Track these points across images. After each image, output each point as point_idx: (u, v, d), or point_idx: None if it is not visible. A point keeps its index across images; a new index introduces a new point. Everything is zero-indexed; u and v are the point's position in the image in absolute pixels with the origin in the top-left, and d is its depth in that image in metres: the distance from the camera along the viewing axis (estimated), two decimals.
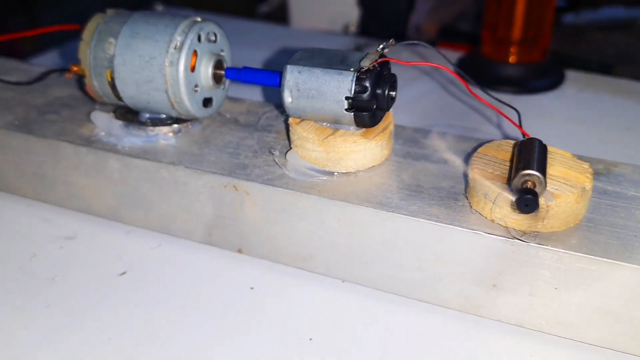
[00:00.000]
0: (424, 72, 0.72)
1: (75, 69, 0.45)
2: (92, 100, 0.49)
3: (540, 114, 0.63)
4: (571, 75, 0.71)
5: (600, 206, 0.36)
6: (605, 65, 0.81)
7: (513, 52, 0.69)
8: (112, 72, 0.43)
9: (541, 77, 0.69)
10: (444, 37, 0.90)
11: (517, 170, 0.32)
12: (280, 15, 1.12)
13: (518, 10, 0.67)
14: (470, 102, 0.65)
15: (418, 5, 0.91)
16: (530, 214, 0.32)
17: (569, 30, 0.93)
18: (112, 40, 0.43)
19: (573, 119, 0.62)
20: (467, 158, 0.41)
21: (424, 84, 0.69)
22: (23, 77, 0.54)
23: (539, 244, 0.33)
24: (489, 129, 0.59)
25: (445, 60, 0.40)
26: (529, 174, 0.32)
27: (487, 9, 0.69)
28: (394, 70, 0.41)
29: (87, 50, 0.44)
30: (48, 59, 0.76)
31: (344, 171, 0.40)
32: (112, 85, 0.44)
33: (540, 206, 0.32)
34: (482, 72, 0.69)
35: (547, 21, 0.68)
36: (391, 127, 0.42)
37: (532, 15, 0.67)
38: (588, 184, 0.34)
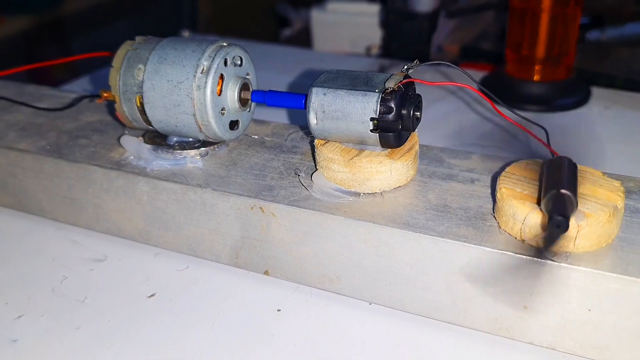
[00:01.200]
0: (449, 92, 0.72)
1: (105, 95, 0.46)
2: (122, 125, 0.49)
3: (567, 132, 0.62)
4: (597, 92, 0.71)
5: (633, 225, 0.36)
6: (632, 81, 0.80)
7: (537, 70, 0.69)
8: (141, 97, 0.44)
9: (567, 95, 0.68)
10: (466, 57, 0.90)
11: (547, 189, 0.32)
12: (303, 39, 1.14)
13: (542, 28, 0.67)
14: (495, 121, 0.64)
15: (439, 26, 0.91)
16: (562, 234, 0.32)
17: (593, 47, 0.92)
18: (141, 66, 0.44)
19: (601, 136, 0.61)
20: (495, 177, 0.41)
21: (449, 104, 0.69)
22: (55, 103, 0.55)
23: (570, 265, 0.33)
24: (516, 148, 0.59)
25: (469, 79, 0.40)
26: (560, 194, 0.31)
27: (510, 28, 0.69)
28: (418, 90, 0.41)
29: (117, 77, 0.45)
30: (78, 86, 0.77)
31: (369, 192, 0.40)
32: (142, 110, 0.45)
33: (571, 226, 0.31)
34: (506, 90, 0.69)
35: (572, 38, 0.67)
36: (416, 147, 0.41)
37: (555, 33, 0.67)
38: (620, 202, 0.34)
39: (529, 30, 0.67)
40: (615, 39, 0.95)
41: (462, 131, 0.64)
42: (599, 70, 0.84)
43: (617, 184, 0.35)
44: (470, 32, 0.99)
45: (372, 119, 0.38)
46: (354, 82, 0.40)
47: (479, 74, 0.75)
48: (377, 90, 0.38)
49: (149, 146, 0.46)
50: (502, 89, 0.70)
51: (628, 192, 0.38)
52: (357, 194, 0.40)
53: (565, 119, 0.65)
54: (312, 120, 0.40)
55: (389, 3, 0.91)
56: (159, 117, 0.44)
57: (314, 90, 0.40)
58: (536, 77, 0.69)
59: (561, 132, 0.62)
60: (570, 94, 0.69)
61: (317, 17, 1.04)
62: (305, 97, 0.42)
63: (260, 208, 0.41)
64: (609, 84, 0.78)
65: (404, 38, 0.87)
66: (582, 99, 0.69)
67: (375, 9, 0.98)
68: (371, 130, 0.38)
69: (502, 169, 0.39)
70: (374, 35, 0.97)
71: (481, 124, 0.65)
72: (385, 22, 0.92)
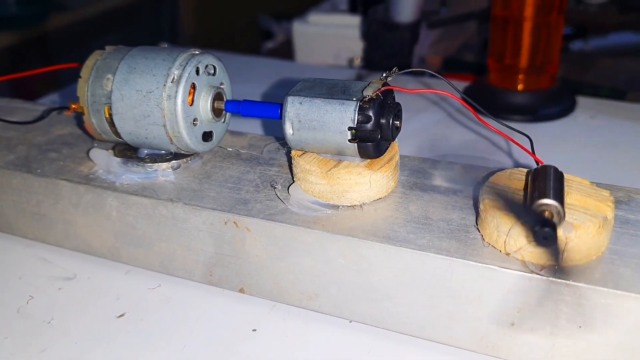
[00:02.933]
0: (430, 102, 0.70)
1: (74, 106, 0.45)
2: (91, 138, 0.48)
3: (553, 142, 0.61)
4: (583, 101, 0.70)
5: (623, 236, 0.34)
6: (617, 91, 0.79)
7: (521, 79, 0.68)
8: (110, 109, 0.42)
9: (551, 105, 0.67)
10: (448, 68, 0.89)
11: (533, 199, 0.30)
12: (285, 52, 1.13)
13: (525, 36, 0.66)
14: (477, 131, 0.63)
15: (421, 38, 0.91)
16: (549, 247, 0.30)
17: (577, 57, 0.92)
18: (109, 76, 0.42)
19: (587, 146, 0.60)
20: (478, 188, 0.39)
21: (430, 115, 0.68)
22: (27, 116, 0.53)
23: (559, 279, 0.31)
24: (498, 158, 0.58)
25: (451, 88, 0.39)
26: (545, 204, 0.30)
27: (493, 37, 0.68)
28: (399, 100, 0.40)
29: (85, 87, 0.43)
30: (55, 99, 0.75)
31: (348, 204, 0.39)
32: (111, 122, 0.43)
33: (559, 238, 0.30)
34: (489, 100, 0.68)
35: (555, 47, 0.67)
36: (397, 158, 0.40)
37: (539, 41, 0.66)
38: (610, 213, 0.32)
39: (512, 39, 0.66)
40: (599, 49, 0.95)
41: (443, 141, 0.62)
42: (583, 81, 0.84)
43: (606, 193, 0.34)
44: (452, 44, 0.99)
45: (350, 129, 0.36)
46: (331, 90, 0.38)
47: (461, 84, 0.74)
48: (354, 99, 0.37)
49: (118, 159, 0.44)
50: (485, 99, 0.68)
51: (617, 203, 0.37)
52: (336, 207, 0.38)
53: (551, 128, 0.64)
54: (288, 130, 0.38)
55: (370, 14, 0.90)
56: (128, 128, 0.42)
57: (290, 99, 0.38)
58: (520, 87, 0.68)
59: (546, 142, 0.61)
60: (555, 103, 0.68)
61: (299, 29, 1.03)
62: (281, 106, 0.40)
63: (235, 223, 0.39)
64: (594, 93, 0.77)
65: (385, 49, 0.86)
66: (567, 108, 0.68)
67: (357, 20, 0.97)
68: (349, 140, 0.37)
69: (485, 179, 0.38)
70: (356, 47, 0.96)
71: (462, 134, 0.63)
72: (367, 33, 0.91)
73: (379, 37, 0.86)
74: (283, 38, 1.19)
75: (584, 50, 0.95)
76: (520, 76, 0.68)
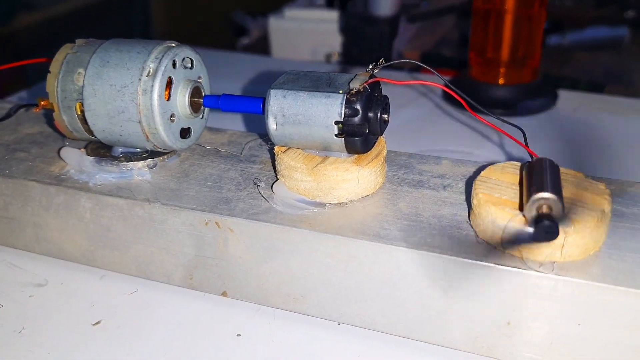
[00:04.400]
0: (414, 96, 0.69)
1: (43, 103, 0.42)
2: (62, 136, 0.46)
3: (536, 136, 0.60)
4: (564, 95, 0.69)
5: (620, 230, 0.33)
6: (595, 84, 0.79)
7: (502, 73, 0.67)
8: (81, 105, 0.40)
9: (533, 98, 0.67)
10: (426, 63, 0.88)
11: (530, 194, 0.29)
12: (261, 48, 1.11)
13: (506, 30, 0.65)
14: (463, 124, 0.62)
15: (399, 33, 0.90)
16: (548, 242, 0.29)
17: (555, 51, 0.92)
18: (81, 70, 0.40)
19: (571, 139, 0.60)
20: (469, 183, 0.38)
21: (414, 108, 0.67)
22: None
23: (557, 275, 0.30)
24: (485, 152, 0.57)
25: (439, 79, 0.38)
26: (543, 197, 0.29)
27: (474, 30, 0.67)
28: (384, 92, 0.38)
29: (54, 83, 0.41)
30: (24, 96, 0.72)
31: (336, 202, 0.37)
32: (83, 119, 0.41)
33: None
34: (471, 94, 0.66)
35: (537, 40, 0.66)
36: (384, 153, 0.39)
37: (520, 34, 0.65)
38: (607, 206, 0.31)
39: (493, 32, 0.66)
40: (576, 43, 0.95)
41: (429, 135, 0.61)
42: (562, 74, 0.83)
43: (602, 186, 0.33)
44: (429, 39, 0.98)
45: (336, 123, 0.35)
46: (315, 83, 0.36)
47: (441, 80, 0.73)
48: (341, 92, 0.35)
49: (91, 158, 0.42)
50: (467, 92, 0.66)
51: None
52: (323, 205, 0.37)
53: (533, 122, 0.64)
54: (272, 125, 0.37)
55: (349, 7, 0.88)
56: (101, 125, 0.40)
57: (273, 92, 0.37)
58: (501, 81, 0.68)
59: (529, 136, 0.60)
60: (536, 96, 0.67)
61: (275, 25, 1.01)
62: (263, 100, 0.38)
63: (216, 223, 0.37)
64: (573, 87, 0.77)
65: (365, 43, 0.85)
66: (549, 102, 0.67)
67: (334, 15, 0.95)
68: (336, 135, 0.35)
69: (476, 173, 0.36)
70: (334, 42, 0.95)
71: (448, 127, 0.62)
72: (346, 28, 0.90)
73: (358, 32, 0.85)
74: (258, 34, 1.17)
75: (561, 44, 0.95)
76: (502, 70, 0.67)
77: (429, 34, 1.00)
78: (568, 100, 0.68)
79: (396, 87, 0.37)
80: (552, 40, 0.94)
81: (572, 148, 0.58)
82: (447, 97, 0.68)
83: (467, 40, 0.71)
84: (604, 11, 1.05)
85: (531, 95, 0.67)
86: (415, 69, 0.81)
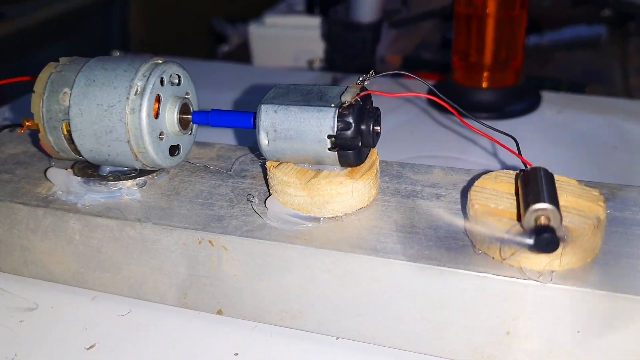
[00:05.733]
0: (397, 103, 0.69)
1: (28, 123, 0.41)
2: (48, 157, 0.45)
3: (521, 139, 0.61)
4: (547, 96, 0.70)
5: (614, 236, 0.33)
6: (576, 84, 0.80)
7: (486, 77, 0.68)
8: (68, 125, 0.39)
9: (517, 101, 0.67)
10: (408, 68, 0.89)
11: (527, 204, 0.29)
12: (242, 55, 1.10)
13: (488, 33, 0.65)
14: (449, 129, 0.62)
15: (383, 37, 0.90)
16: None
17: (534, 52, 0.93)
18: (66, 90, 0.39)
19: (557, 141, 0.60)
20: (464, 192, 0.38)
21: (400, 115, 0.67)
22: None
23: (556, 284, 0.30)
24: (473, 158, 0.57)
25: (433, 90, 0.38)
26: (541, 209, 0.29)
27: (456, 35, 0.68)
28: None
29: (39, 103, 0.40)
30: (8, 114, 0.71)
31: (330, 216, 0.37)
32: (69, 139, 0.40)
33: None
34: (455, 99, 0.66)
35: (519, 43, 0.66)
36: (377, 164, 0.38)
37: (502, 37, 0.65)
38: (602, 212, 0.31)
39: (476, 36, 0.66)
40: (554, 43, 0.96)
41: (415, 144, 0.61)
42: (543, 75, 0.84)
43: (595, 192, 0.33)
44: (410, 43, 0.99)
45: (329, 137, 0.35)
46: (306, 97, 0.36)
47: (424, 85, 0.73)
48: (333, 105, 0.35)
49: (79, 178, 0.41)
50: (451, 97, 0.67)
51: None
52: (317, 219, 0.37)
53: (518, 125, 0.64)
54: (263, 140, 0.36)
55: (330, 14, 0.88)
56: (89, 145, 0.39)
57: (263, 107, 0.36)
58: (485, 84, 0.68)
59: (509, 141, 0.60)
60: (520, 99, 0.67)
61: (255, 32, 1.00)
62: (254, 115, 0.38)
63: (210, 241, 0.36)
64: (554, 87, 0.77)
65: (347, 50, 0.85)
66: (533, 104, 0.67)
67: (316, 21, 0.95)
68: (329, 149, 0.35)
69: (470, 182, 0.36)
70: (316, 49, 0.95)
71: (435, 132, 0.62)
72: (328, 34, 0.90)
73: (340, 38, 0.85)
74: (238, 41, 1.17)
75: (540, 44, 0.96)
76: (485, 73, 0.67)
77: (409, 37, 1.00)
78: (552, 101, 0.69)
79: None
80: (531, 41, 0.95)
81: (559, 150, 0.58)
82: (432, 102, 0.69)
83: (449, 43, 0.71)
84: (580, 10, 1.06)
85: (515, 97, 0.67)
86: (398, 75, 0.81)
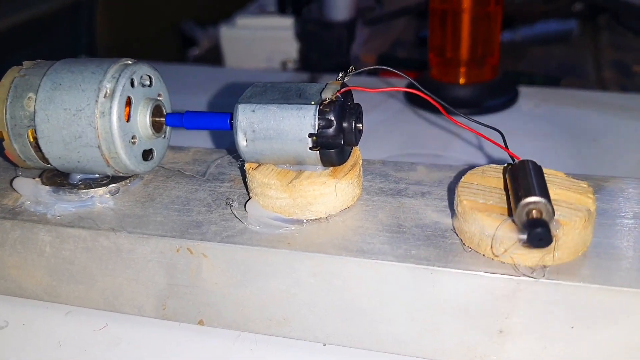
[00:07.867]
0: (376, 101, 0.68)
1: None
2: (14, 166, 0.42)
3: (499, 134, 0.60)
4: (524, 91, 0.69)
5: (603, 227, 0.33)
6: (551, 78, 0.80)
7: (462, 72, 0.67)
8: (34, 131, 0.38)
9: (495, 96, 0.67)
10: (382, 65, 0.88)
11: (518, 199, 0.28)
12: (213, 58, 1.08)
13: (464, 29, 0.65)
14: (430, 125, 0.62)
15: (357, 35, 0.89)
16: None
17: (508, 47, 0.93)
18: (31, 95, 0.37)
19: (536, 135, 0.60)
20: (450, 188, 0.37)
21: (378, 113, 0.66)
22: None
23: (549, 279, 0.29)
24: (453, 154, 0.56)
25: (414, 84, 0.37)
26: (533, 202, 0.28)
27: (432, 31, 0.67)
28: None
29: (2, 109, 0.38)
30: None
31: (314, 217, 0.35)
32: (36, 146, 0.38)
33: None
34: (433, 95, 0.66)
35: (495, 38, 0.66)
36: (360, 163, 0.37)
37: (478, 33, 0.65)
38: (592, 205, 0.31)
39: (451, 32, 0.65)
40: (528, 38, 0.97)
41: (397, 138, 0.60)
42: (518, 70, 0.84)
43: (584, 185, 0.32)
44: (384, 41, 0.98)
45: (310, 135, 0.33)
46: (285, 95, 0.35)
47: (403, 82, 0.72)
48: (313, 103, 0.34)
49: (47, 188, 0.39)
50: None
51: None
52: (300, 222, 0.35)
53: (496, 120, 0.63)
54: (241, 142, 0.35)
55: (304, 13, 0.87)
56: (57, 152, 0.37)
57: (241, 107, 0.35)
58: (462, 80, 0.67)
59: (494, 134, 0.60)
60: (498, 94, 0.67)
61: (227, 34, 0.99)
62: (231, 115, 0.37)
63: (188, 249, 0.35)
64: (530, 82, 0.77)
65: (322, 49, 0.84)
66: (510, 99, 0.67)
67: (288, 21, 0.94)
68: (310, 148, 0.34)
69: (456, 178, 0.35)
70: (290, 49, 0.93)
71: (415, 129, 0.62)
72: (302, 34, 0.89)
73: (315, 37, 0.84)
74: (208, 44, 1.15)
75: (513, 40, 0.96)
76: (462, 69, 0.67)
77: (382, 36, 0.99)
78: (528, 95, 0.68)
79: (358, 92, 0.36)
80: (505, 37, 0.95)
81: (541, 144, 0.58)
82: (410, 98, 0.68)
83: (423, 41, 0.70)
84: (552, 5, 1.07)
85: (493, 93, 0.67)
86: (373, 72, 0.80)
